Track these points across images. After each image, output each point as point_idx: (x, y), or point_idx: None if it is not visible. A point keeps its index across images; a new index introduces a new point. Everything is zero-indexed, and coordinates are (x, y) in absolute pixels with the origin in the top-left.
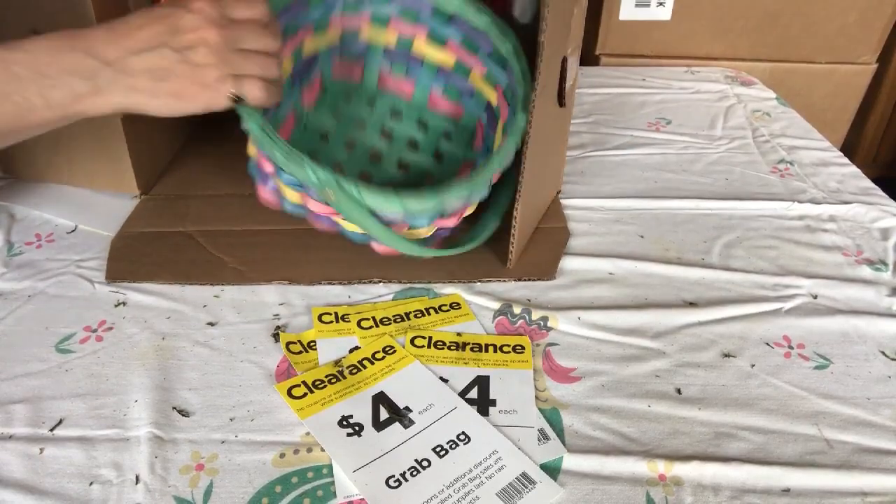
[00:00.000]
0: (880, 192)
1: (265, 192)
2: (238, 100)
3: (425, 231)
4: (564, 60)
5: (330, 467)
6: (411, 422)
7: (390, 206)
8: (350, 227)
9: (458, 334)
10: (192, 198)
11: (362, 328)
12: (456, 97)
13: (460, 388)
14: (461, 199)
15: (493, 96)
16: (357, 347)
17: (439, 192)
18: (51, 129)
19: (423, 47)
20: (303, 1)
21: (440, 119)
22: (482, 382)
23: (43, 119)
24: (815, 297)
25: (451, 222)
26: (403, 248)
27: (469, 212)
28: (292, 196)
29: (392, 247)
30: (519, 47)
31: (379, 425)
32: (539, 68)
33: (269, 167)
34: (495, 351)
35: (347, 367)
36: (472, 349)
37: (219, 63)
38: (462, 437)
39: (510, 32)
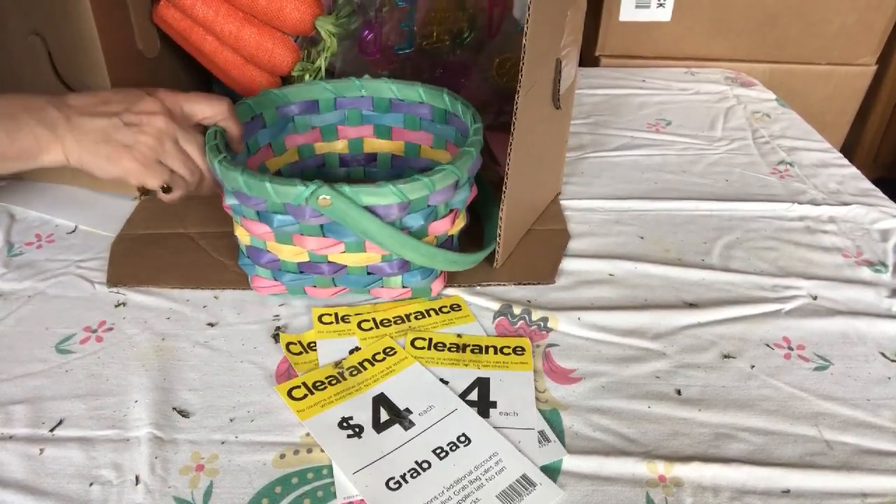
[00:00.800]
0: (880, 194)
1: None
2: (167, 189)
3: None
4: (558, 62)
5: (330, 468)
6: (411, 423)
7: (386, 196)
8: (354, 263)
9: (459, 336)
10: (191, 199)
11: (362, 329)
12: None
13: (461, 389)
14: (450, 185)
15: (444, 157)
16: (357, 348)
17: (428, 176)
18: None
19: (374, 143)
20: (257, 121)
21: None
22: (482, 384)
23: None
24: (815, 298)
25: (445, 225)
26: (409, 251)
27: (460, 223)
28: (289, 252)
29: (397, 251)
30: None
31: (379, 427)
32: (522, 71)
33: (260, 230)
34: (496, 353)
35: (348, 369)
36: (472, 351)
37: (156, 146)
38: (462, 438)
39: (440, 89)
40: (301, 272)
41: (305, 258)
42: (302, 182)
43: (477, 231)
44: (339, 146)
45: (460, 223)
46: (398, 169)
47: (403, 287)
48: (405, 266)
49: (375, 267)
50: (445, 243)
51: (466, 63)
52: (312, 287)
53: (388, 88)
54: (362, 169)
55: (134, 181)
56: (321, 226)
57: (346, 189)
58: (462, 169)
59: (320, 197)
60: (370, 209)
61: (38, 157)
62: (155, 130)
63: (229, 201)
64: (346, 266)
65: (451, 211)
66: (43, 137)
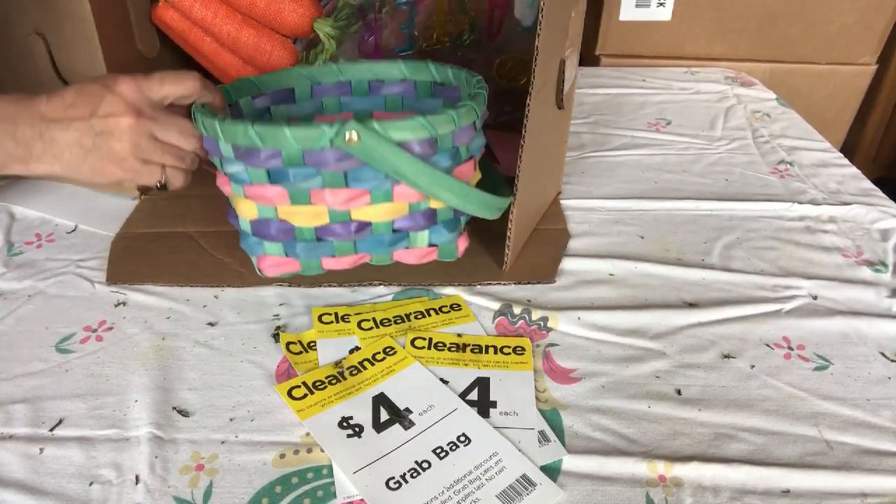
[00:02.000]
0: (880, 193)
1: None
2: (162, 186)
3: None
4: (562, 62)
5: (330, 468)
6: (411, 423)
7: (417, 130)
8: (380, 218)
9: (459, 335)
10: (191, 198)
11: (362, 329)
12: None
13: (461, 389)
14: (469, 125)
15: None
16: (357, 348)
17: (454, 109)
18: None
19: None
20: (233, 110)
21: None
22: (482, 384)
23: None
24: (815, 298)
25: (468, 170)
26: (444, 189)
27: (477, 175)
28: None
29: (432, 190)
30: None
31: (379, 426)
32: (534, 72)
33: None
34: (496, 352)
35: (348, 369)
36: (472, 350)
37: (133, 150)
38: (462, 438)
39: (424, 61)
40: (318, 239)
41: (324, 220)
42: (325, 123)
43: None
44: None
45: (477, 175)
46: None
47: (430, 245)
48: (433, 217)
49: (402, 222)
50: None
51: (466, 64)
52: (331, 258)
53: (367, 70)
54: None
55: (129, 185)
56: (344, 174)
57: (375, 124)
58: (479, 106)
59: (347, 134)
60: (402, 145)
61: (16, 172)
62: (126, 134)
63: (230, 168)
64: (370, 224)
65: (471, 158)
66: (17, 153)
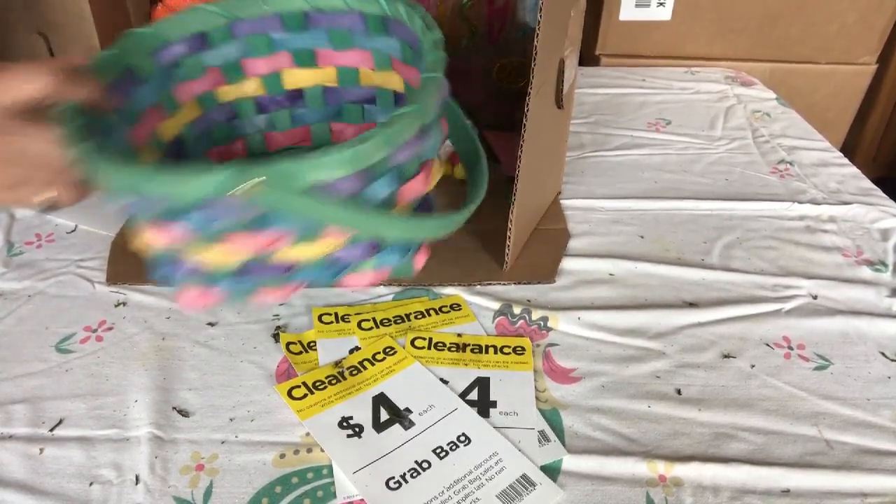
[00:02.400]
0: (880, 193)
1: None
2: (51, 206)
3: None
4: (562, 62)
5: (330, 468)
6: (411, 423)
7: (336, 167)
8: (308, 255)
9: (459, 335)
10: None
11: (362, 329)
12: (359, 116)
13: (461, 389)
14: (415, 134)
15: (393, 80)
16: (357, 348)
17: (384, 129)
18: None
19: (295, 76)
20: (130, 76)
21: None
22: (482, 384)
23: None
24: (815, 297)
25: (419, 185)
26: (383, 228)
27: (437, 173)
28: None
29: (367, 232)
30: None
31: (379, 426)
32: (534, 72)
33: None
34: (496, 352)
35: (348, 369)
36: (472, 350)
37: None
38: (462, 438)
39: None
40: (240, 277)
41: (242, 258)
42: (210, 165)
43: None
44: (251, 87)
45: (437, 174)
46: (335, 106)
47: (378, 270)
48: (376, 246)
49: (341, 253)
50: (423, 206)
51: (465, 68)
52: (265, 290)
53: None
54: (287, 112)
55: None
56: (257, 218)
57: (281, 167)
58: (427, 106)
59: (245, 186)
60: (318, 188)
61: None
62: None
63: (117, 202)
64: (294, 263)
65: (424, 164)
66: None
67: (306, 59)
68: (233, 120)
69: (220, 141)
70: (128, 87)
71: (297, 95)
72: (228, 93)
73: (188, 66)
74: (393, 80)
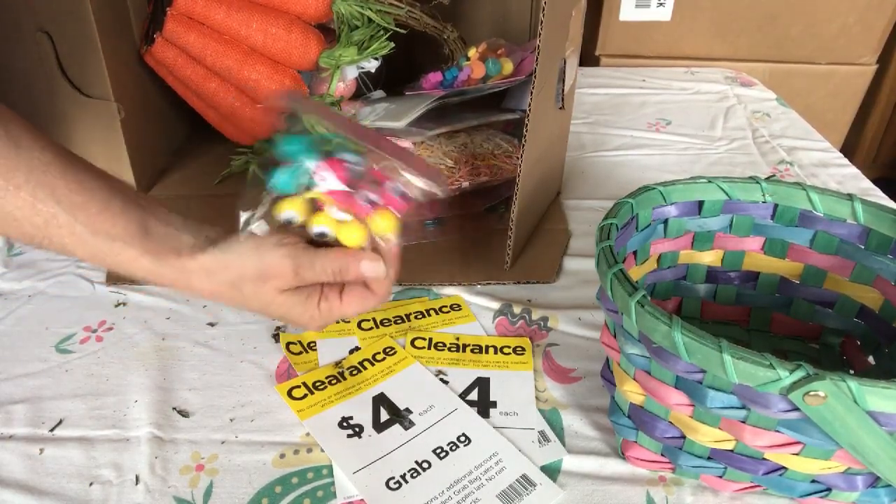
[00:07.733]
0: (880, 193)
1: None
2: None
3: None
4: (563, 62)
5: (330, 468)
6: (411, 423)
7: None
8: (801, 469)
9: (458, 336)
10: (191, 198)
11: (362, 329)
12: (809, 314)
13: (461, 389)
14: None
15: (866, 295)
16: (357, 348)
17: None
18: None
19: (758, 260)
20: (632, 224)
21: None
22: (482, 384)
23: None
24: None
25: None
26: None
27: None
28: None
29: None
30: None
31: (379, 427)
32: (535, 72)
33: None
34: (496, 352)
35: (348, 369)
36: (472, 350)
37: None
38: (462, 438)
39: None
40: (709, 458)
41: (728, 447)
42: (777, 361)
43: None
44: (709, 257)
45: None
46: (785, 297)
47: None
48: (874, 481)
49: (829, 478)
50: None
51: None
52: (717, 478)
53: (805, 197)
54: (734, 289)
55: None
56: (779, 420)
57: (853, 385)
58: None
59: (811, 394)
60: (873, 415)
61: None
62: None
63: (628, 347)
64: (784, 468)
65: None
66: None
67: (777, 250)
68: (681, 280)
69: (658, 294)
70: (629, 233)
71: (752, 277)
72: (688, 256)
73: (672, 226)
74: (869, 296)
